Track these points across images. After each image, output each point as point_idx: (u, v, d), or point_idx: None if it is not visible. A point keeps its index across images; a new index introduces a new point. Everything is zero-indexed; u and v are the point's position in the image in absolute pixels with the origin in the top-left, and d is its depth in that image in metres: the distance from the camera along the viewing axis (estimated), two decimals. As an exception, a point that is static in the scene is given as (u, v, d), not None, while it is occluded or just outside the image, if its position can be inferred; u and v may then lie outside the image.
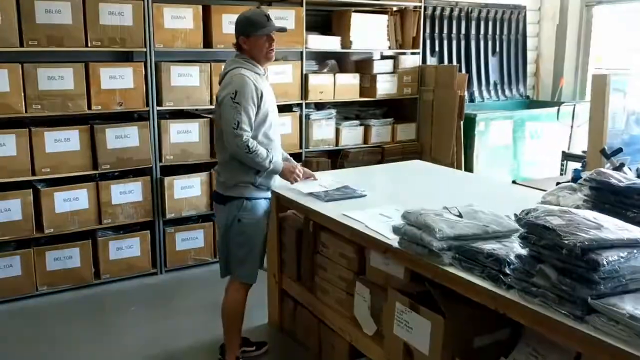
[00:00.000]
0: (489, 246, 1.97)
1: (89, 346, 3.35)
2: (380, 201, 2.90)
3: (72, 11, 3.68)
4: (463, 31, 6.04)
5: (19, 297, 3.86)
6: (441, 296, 2.20)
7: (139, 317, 3.72)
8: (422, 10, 5.28)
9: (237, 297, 3.00)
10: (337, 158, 5.01)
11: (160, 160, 4.18)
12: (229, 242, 2.96)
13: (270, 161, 2.86)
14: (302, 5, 4.52)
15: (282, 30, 3.05)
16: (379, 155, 5.11)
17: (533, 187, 3.18)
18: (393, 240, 2.31)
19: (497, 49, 6.34)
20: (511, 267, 1.81)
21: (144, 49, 3.97)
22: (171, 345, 3.36)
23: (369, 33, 4.92)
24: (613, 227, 1.68)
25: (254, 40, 2.87)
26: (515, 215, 1.81)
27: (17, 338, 3.44)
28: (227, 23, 4.19)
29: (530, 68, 6.72)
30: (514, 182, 3.30)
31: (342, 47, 4.84)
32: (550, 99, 6.48)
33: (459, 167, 5.02)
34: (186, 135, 4.22)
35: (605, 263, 1.54)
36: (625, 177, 2.34)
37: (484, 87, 6.26)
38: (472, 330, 2.22)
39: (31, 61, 3.68)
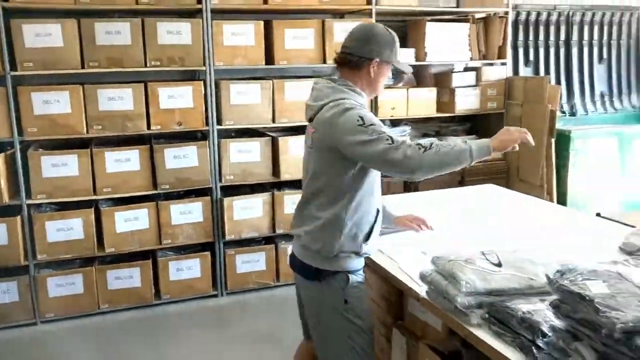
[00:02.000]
0: (526, 307, 1.59)
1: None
2: (431, 236, 2.56)
3: (131, 31, 3.68)
4: (563, 37, 5.46)
5: (81, 314, 3.91)
6: (474, 358, 1.84)
7: (196, 341, 3.62)
8: (511, 16, 4.80)
9: None
10: (411, 179, 4.65)
11: (220, 180, 4.08)
12: (330, 340, 2.19)
13: (465, 141, 2.01)
14: (371, 17, 4.25)
15: (411, 71, 2.43)
16: (459, 175, 4.68)
17: (620, 222, 2.67)
18: (424, 287, 1.98)
19: (605, 56, 5.67)
20: (545, 339, 1.43)
21: (204, 68, 3.90)
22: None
23: (446, 43, 4.53)
24: (678, 300, 1.25)
25: (384, 68, 2.15)
26: (547, 276, 1.42)
27: (78, 355, 3.46)
28: (289, 38, 4.03)
29: (647, 76, 5.95)
30: (598, 214, 2.79)
31: (417, 60, 4.50)
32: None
33: (549, 191, 4.48)
34: (247, 155, 4.09)
35: (656, 353, 1.13)
36: None
37: (588, 99, 5.62)
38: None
39: (92, 82, 3.73)
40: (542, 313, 1.53)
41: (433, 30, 4.45)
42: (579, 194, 4.63)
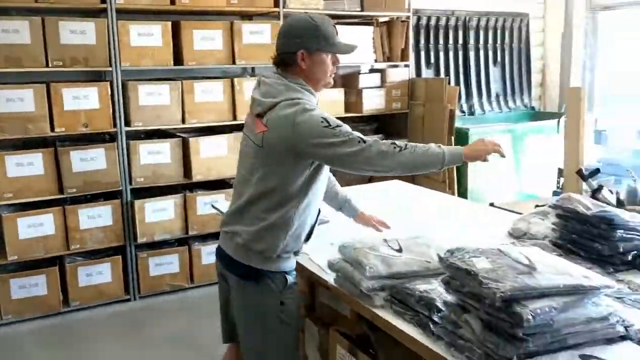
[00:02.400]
0: (423, 287, 1.72)
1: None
2: (341, 229, 2.67)
3: (30, 30, 3.55)
4: (461, 41, 5.80)
5: (-18, 327, 3.73)
6: (380, 339, 1.97)
7: (110, 346, 3.55)
8: (412, 20, 5.05)
9: None
10: (322, 177, 4.78)
11: (130, 183, 4.02)
12: (262, 338, 2.15)
13: (439, 146, 2.00)
14: (279, 19, 4.33)
15: (353, 50, 2.30)
16: (367, 173, 4.86)
17: (510, 211, 2.91)
18: (331, 275, 2.08)
19: (499, 59, 6.07)
20: (439, 314, 1.57)
21: (110, 68, 3.83)
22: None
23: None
24: (549, 271, 1.42)
25: (318, 57, 2.05)
26: (438, 255, 1.56)
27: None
28: (198, 39, 4.04)
29: (536, 78, 6.43)
30: (491, 204, 3.03)
31: (325, 61, 4.63)
32: (557, 111, 6.16)
33: (450, 185, 4.75)
34: (157, 156, 4.06)
35: (530, 317, 1.28)
36: (595, 204, 2.08)
37: (485, 99, 6.00)
38: (416, 379, 1.98)
39: (-12, 83, 3.58)
40: (437, 291, 1.67)
41: (339, 33, 4.58)
42: (478, 187, 4.94)
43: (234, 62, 4.21)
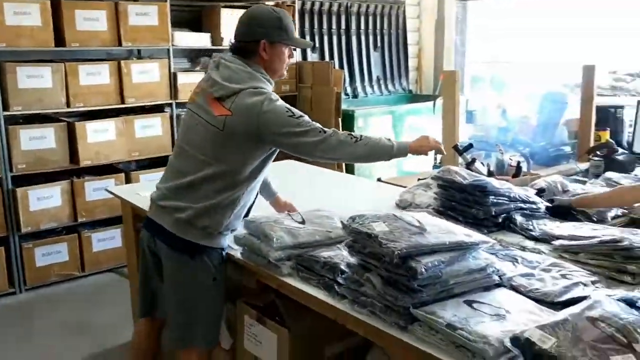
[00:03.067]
0: (326, 253, 1.88)
1: None
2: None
3: None
4: (343, 26, 6.02)
5: None
6: (288, 307, 2.11)
7: (-3, 340, 3.39)
8: (298, 5, 5.19)
9: None
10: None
11: (11, 170, 3.82)
12: (194, 303, 2.18)
13: (388, 139, 2.13)
14: (165, 1, 4.28)
15: (310, 45, 2.49)
16: (259, 154, 4.96)
17: (396, 185, 3.16)
18: (238, 250, 2.18)
19: (379, 44, 6.38)
20: (343, 276, 1.73)
21: (-18, 48, 3.60)
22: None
23: (241, 29, 4.76)
24: (436, 231, 1.63)
25: (278, 49, 2.12)
26: (342, 222, 1.72)
27: None
28: (80, 19, 3.90)
29: (413, 62, 6.83)
30: (379, 180, 3.27)
31: (214, 44, 4.64)
32: (432, 93, 6.61)
33: (339, 165, 4.98)
34: (40, 142, 3.88)
35: (423, 270, 1.48)
36: (470, 174, 2.35)
37: (367, 83, 6.28)
38: (321, 340, 2.14)
39: None
40: (340, 256, 1.84)
41: (228, 16, 4.64)
42: (365, 165, 5.21)
43: (119, 44, 4.11)
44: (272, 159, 2.21)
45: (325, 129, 2.06)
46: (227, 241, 2.20)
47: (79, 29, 3.89)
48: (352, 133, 2.10)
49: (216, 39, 4.65)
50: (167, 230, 2.13)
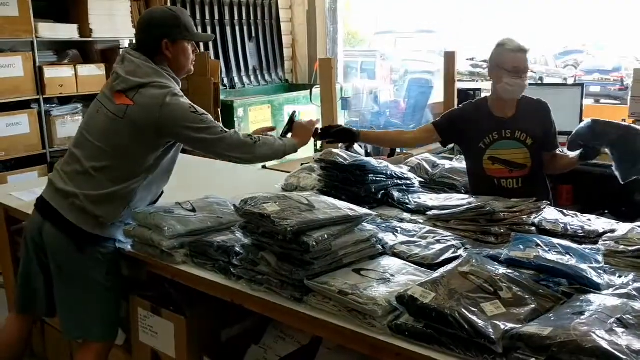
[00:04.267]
0: (220, 238, 1.93)
1: None
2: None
3: None
4: (217, 17, 6.00)
5: None
6: (183, 296, 2.13)
7: None
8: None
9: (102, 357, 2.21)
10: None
11: None
12: (89, 296, 2.13)
13: (281, 139, 2.30)
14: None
15: (211, 38, 2.41)
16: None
17: (281, 171, 3.26)
18: (127, 243, 2.16)
19: (253, 35, 6.43)
20: (238, 257, 1.79)
21: None
22: None
23: (110, 19, 4.60)
24: (324, 207, 1.74)
25: (180, 46, 2.13)
26: (235, 206, 1.78)
27: None
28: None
29: (288, 52, 6.95)
30: (263, 167, 3.35)
31: (82, 36, 4.45)
32: (307, 82, 6.78)
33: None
34: None
35: (314, 243, 1.58)
36: (350, 155, 2.49)
37: (243, 73, 6.31)
38: (217, 325, 2.19)
39: None
40: (233, 240, 1.90)
41: (96, 7, 4.46)
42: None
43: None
44: (171, 155, 2.21)
45: (226, 129, 2.14)
46: (120, 231, 2.17)
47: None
48: (250, 134, 2.21)
49: (84, 30, 4.45)
50: (60, 214, 2.07)
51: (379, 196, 2.41)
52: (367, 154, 2.96)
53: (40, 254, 2.18)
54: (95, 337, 2.17)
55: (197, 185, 2.96)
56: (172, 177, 2.78)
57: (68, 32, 4.38)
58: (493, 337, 1.27)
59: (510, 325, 1.31)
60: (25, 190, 2.75)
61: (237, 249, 1.81)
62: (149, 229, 2.02)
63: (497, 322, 1.32)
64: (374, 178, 2.40)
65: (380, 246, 1.82)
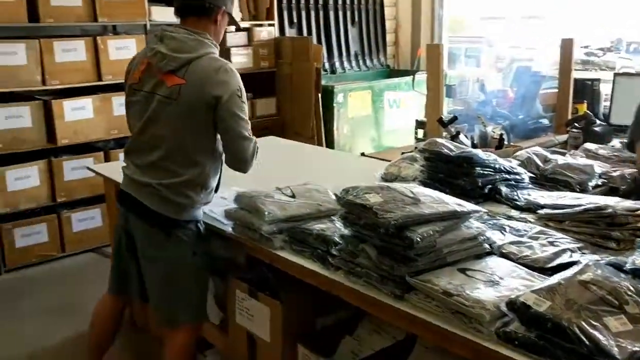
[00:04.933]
0: (318, 226, 1.90)
1: None
2: (225, 183, 2.75)
3: None
4: (321, 1, 5.97)
5: None
6: (280, 280, 2.12)
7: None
8: (276, -21, 5.13)
9: (190, 343, 2.26)
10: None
11: (-13, 151, 3.74)
12: (178, 281, 2.18)
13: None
14: (140, -21, 4.19)
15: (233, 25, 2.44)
16: (239, 131, 4.93)
17: (380, 159, 3.19)
18: (228, 225, 2.18)
19: (356, 19, 6.35)
20: (337, 247, 1.75)
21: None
22: (12, 352, 3.05)
23: (219, 4, 4.69)
24: (430, 201, 1.65)
25: (225, 20, 2.17)
26: (336, 195, 1.74)
27: None
28: (54, -7, 3.80)
29: (390, 37, 6.81)
30: (362, 154, 3.29)
31: (192, 19, 4.57)
32: (410, 68, 6.62)
33: (319, 141, 4.99)
34: (16, 121, 3.80)
35: (419, 239, 1.50)
36: (457, 146, 2.37)
37: (344, 58, 6.26)
38: (312, 313, 2.17)
39: None
40: (332, 229, 1.86)
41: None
42: (345, 141, 5.24)
43: (95, 20, 4.02)
44: None
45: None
46: (201, 212, 2.20)
47: (53, 4, 3.80)
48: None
49: (193, 14, 4.56)
50: (142, 204, 2.10)
51: (486, 191, 2.27)
52: (474, 145, 2.82)
53: (128, 241, 2.23)
54: (187, 319, 2.21)
55: (295, 171, 2.97)
56: (269, 160, 2.80)
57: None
58: (618, 357, 1.14)
59: (638, 346, 1.17)
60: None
61: (336, 238, 1.76)
62: (249, 212, 2.03)
63: (623, 341, 1.19)
64: (481, 171, 2.26)
65: (487, 245, 1.70)
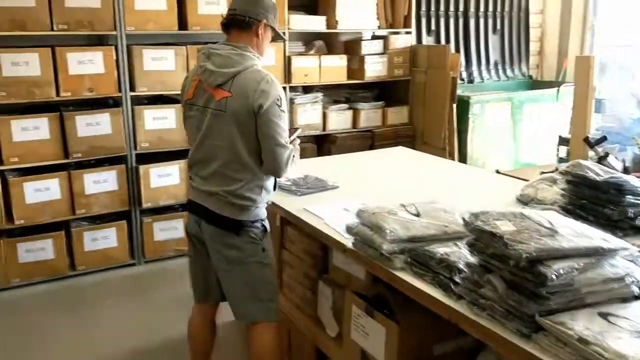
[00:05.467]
0: (443, 250, 1.79)
1: (63, 338, 3.29)
2: (351, 194, 2.73)
3: (34, -7, 3.52)
4: (461, 8, 5.77)
5: (-9, 290, 3.78)
6: (398, 301, 2.04)
7: (115, 310, 3.62)
8: (415, -13, 5.04)
9: (277, 338, 2.42)
10: (324, 144, 4.83)
11: (135, 148, 4.03)
12: (254, 280, 2.33)
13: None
14: (287, -18, 4.31)
15: (280, 40, 2.61)
16: (369, 140, 4.91)
17: (516, 177, 2.98)
18: (349, 239, 2.14)
19: (498, 27, 6.06)
20: (461, 275, 1.63)
21: (114, 32, 3.81)
22: (145, 340, 3.26)
23: (356, 12, 4.70)
24: (570, 234, 1.48)
25: (268, 33, 2.32)
26: (463, 219, 1.62)
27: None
28: (203, 3, 4.03)
29: (534, 46, 6.42)
30: (497, 171, 3.09)
31: (328, 28, 4.62)
32: (554, 79, 6.19)
33: (451, 152, 4.81)
34: (162, 122, 4.06)
35: (554, 277, 1.35)
36: (604, 170, 2.14)
37: (484, 67, 6.00)
38: (431, 338, 2.06)
39: (-7, 46, 3.55)
40: (457, 254, 1.74)
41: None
42: (478, 155, 5.01)
43: (238, 28, 4.18)
44: None
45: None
46: (264, 211, 2.37)
47: (200, 12, 4.01)
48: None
49: (331, 22, 4.62)
50: (210, 211, 2.27)
51: (637, 222, 2.02)
52: (625, 170, 2.53)
53: (202, 248, 2.39)
54: (261, 316, 2.35)
55: (423, 185, 2.86)
56: (396, 172, 2.77)
57: (316, 24, 4.58)
58: None
59: None
60: (317, 205, 2.56)
61: (461, 265, 1.65)
62: (370, 229, 1.97)
63: None
64: (633, 200, 2.01)
65: (636, 288, 1.50)
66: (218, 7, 4.06)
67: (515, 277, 1.43)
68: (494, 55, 6.07)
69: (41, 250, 3.85)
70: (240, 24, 2.24)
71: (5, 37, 3.55)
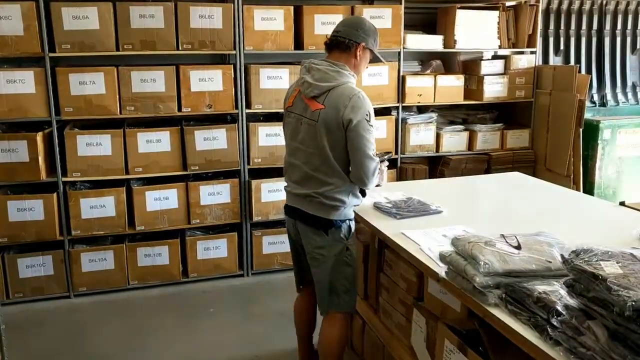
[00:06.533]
0: (542, 287, 1.63)
1: (172, 340, 3.47)
2: (454, 220, 2.60)
3: (164, 15, 3.77)
4: (595, 27, 5.38)
5: (112, 289, 4.06)
6: (492, 338, 1.89)
7: (221, 318, 3.75)
8: (542, 4, 4.77)
9: (344, 328, 2.69)
10: (437, 165, 4.69)
11: (249, 163, 4.17)
12: (334, 274, 2.58)
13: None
14: (400, 3, 4.26)
15: (379, 61, 2.70)
16: (485, 163, 4.69)
17: (643, 212, 2.67)
18: (443, 268, 2.02)
19: (638, 47, 5.57)
20: (559, 318, 1.47)
21: (234, 52, 3.97)
22: (247, 350, 3.35)
23: (476, 31, 4.52)
24: (689, 282, 1.28)
25: (367, 55, 2.54)
26: (562, 256, 1.46)
27: (110, 328, 3.62)
28: (319, 24, 4.08)
29: (681, 67, 5.82)
30: (621, 203, 2.79)
31: (445, 47, 4.49)
32: None
33: (576, 181, 4.45)
34: (275, 139, 4.16)
35: (665, 331, 1.17)
36: None
37: (619, 90, 5.53)
38: (527, 382, 1.88)
39: (126, 64, 3.84)
40: (557, 293, 1.57)
41: (463, 18, 4.45)
42: (607, 184, 4.60)
43: (353, 47, 4.20)
44: None
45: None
46: (352, 213, 2.58)
47: (316, 32, 4.07)
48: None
49: (448, 41, 4.49)
50: (304, 212, 2.55)
51: None
52: None
53: (298, 245, 2.69)
54: (341, 308, 2.62)
55: (532, 214, 2.66)
56: (509, 198, 2.71)
57: (432, 43, 4.48)
58: None
59: None
60: (416, 230, 2.43)
61: (560, 307, 1.48)
62: (464, 258, 1.85)
63: None
64: None
65: None
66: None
67: (620, 327, 1.26)
68: (631, 77, 5.58)
69: (158, 255, 4.09)
70: (340, 45, 2.47)
71: (137, 56, 3.84)
